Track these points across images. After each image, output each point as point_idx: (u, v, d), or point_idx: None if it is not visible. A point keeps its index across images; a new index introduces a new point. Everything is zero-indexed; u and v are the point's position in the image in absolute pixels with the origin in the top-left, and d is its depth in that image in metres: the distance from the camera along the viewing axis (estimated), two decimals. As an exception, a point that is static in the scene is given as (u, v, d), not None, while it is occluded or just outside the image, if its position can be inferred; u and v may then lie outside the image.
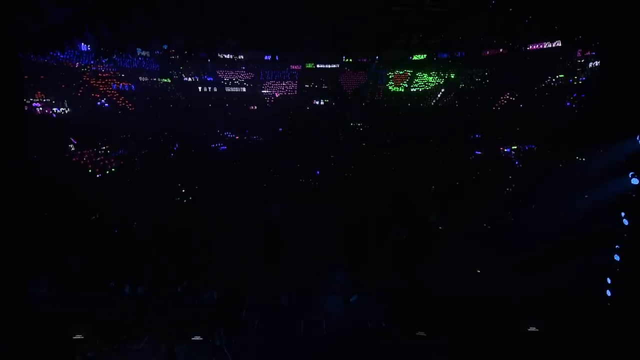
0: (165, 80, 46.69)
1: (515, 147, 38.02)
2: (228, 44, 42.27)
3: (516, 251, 29.32)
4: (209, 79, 46.44)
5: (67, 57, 37.87)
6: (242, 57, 46.11)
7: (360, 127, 49.05)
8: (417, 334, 21.78)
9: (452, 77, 44.19)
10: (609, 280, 23.53)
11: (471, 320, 22.15)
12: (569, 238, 27.98)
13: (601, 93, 26.21)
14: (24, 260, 25.82)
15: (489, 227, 34.49)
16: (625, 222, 23.22)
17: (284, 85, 49.15)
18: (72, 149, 36.00)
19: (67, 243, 27.66)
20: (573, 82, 30.62)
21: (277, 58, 46.43)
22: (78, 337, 21.37)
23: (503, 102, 40.87)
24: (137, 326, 22.68)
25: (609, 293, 23.41)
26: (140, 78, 44.91)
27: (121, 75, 42.44)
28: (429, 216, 35.75)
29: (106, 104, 39.57)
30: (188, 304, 24.76)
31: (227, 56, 45.47)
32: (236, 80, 48.16)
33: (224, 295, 25.67)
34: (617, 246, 23.58)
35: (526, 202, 32.99)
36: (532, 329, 21.89)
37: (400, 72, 47.40)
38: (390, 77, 47.86)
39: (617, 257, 23.40)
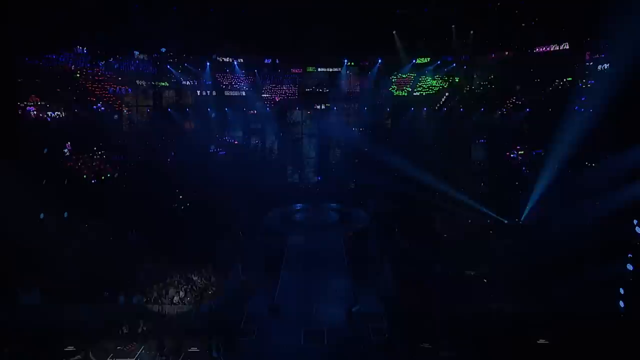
0: (163, 84, 46.02)
1: (522, 152, 37.40)
2: (227, 46, 41.57)
3: (524, 260, 28.71)
4: (207, 83, 45.73)
5: (63, 60, 37.19)
6: (242, 61, 45.44)
7: (362, 131, 48.35)
8: (422, 345, 21.18)
9: (457, 80, 43.54)
10: (621, 291, 22.88)
11: (478, 331, 21.45)
12: (578, 247, 27.34)
13: (612, 97, 25.66)
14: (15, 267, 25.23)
15: (493, 233, 33.96)
16: (638, 230, 22.55)
17: (285, 89, 48.48)
18: (67, 153, 35.39)
19: (61, 249, 27.09)
20: (582, 85, 29.99)
21: (277, 61, 45.78)
22: (70, 348, 20.77)
23: (509, 106, 40.17)
24: (131, 337, 22.05)
25: (621, 304, 22.72)
26: (137, 82, 44.20)
27: (118, 78, 41.72)
28: (433, 224, 35.22)
29: (102, 108, 38.86)
30: (184, 315, 24.10)
31: (227, 59, 44.80)
32: (235, 84, 47.44)
33: (221, 305, 25.03)
34: (629, 255, 22.96)
35: (534, 209, 32.39)
36: (542, 341, 21.26)
37: (404, 76, 46.80)
38: (393, 80, 47.25)
39: (630, 267, 22.74)
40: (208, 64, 43.85)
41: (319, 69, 48.60)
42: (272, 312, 24.12)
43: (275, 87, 48.21)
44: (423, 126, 45.20)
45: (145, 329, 22.43)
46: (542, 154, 32.11)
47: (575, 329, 21.00)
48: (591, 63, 30.09)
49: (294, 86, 48.42)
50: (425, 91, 45.09)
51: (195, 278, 27.11)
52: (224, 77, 46.11)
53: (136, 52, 41.97)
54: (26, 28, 30.77)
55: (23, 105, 34.20)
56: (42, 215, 29.09)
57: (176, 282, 26.53)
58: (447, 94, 43.20)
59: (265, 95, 47.69)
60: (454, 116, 41.76)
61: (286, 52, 43.42)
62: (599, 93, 26.78)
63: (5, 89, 30.70)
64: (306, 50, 43.32)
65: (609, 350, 19.42)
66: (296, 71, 47.91)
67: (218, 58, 43.89)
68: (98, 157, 36.73)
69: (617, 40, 25.79)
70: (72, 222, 30.12)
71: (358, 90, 49.10)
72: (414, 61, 43.72)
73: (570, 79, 33.09)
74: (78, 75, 37.64)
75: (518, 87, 40.23)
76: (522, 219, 33.06)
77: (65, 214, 30.19)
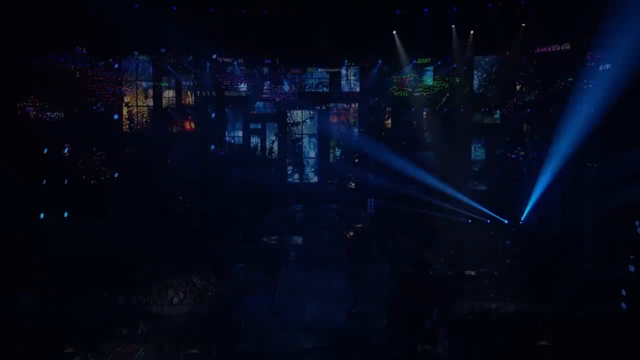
0: (163, 84, 46.02)
1: (523, 153, 37.39)
2: (227, 47, 41.41)
3: (524, 260, 28.69)
4: (207, 83, 45.65)
5: (62, 60, 37.16)
6: (242, 61, 45.33)
7: (362, 131, 48.27)
8: (422, 345, 21.13)
9: (457, 80, 43.41)
10: (623, 292, 22.84)
11: (478, 331, 21.42)
12: (579, 247, 27.35)
13: (613, 97, 25.62)
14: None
15: (495, 235, 33.99)
16: (640, 231, 22.52)
17: (285, 89, 48.34)
18: (67, 154, 35.36)
19: (59, 252, 27.05)
20: (584, 85, 29.93)
21: (277, 61, 45.63)
22: (69, 350, 20.73)
23: (509, 106, 40.11)
24: (131, 339, 22.01)
25: (624, 306, 22.67)
26: (137, 82, 44.26)
27: (118, 79, 41.70)
28: (433, 224, 35.23)
29: (102, 108, 38.82)
30: (184, 316, 24.08)
31: (227, 59, 44.68)
32: (235, 84, 47.35)
33: (221, 306, 25.00)
34: (631, 256, 22.93)
35: (535, 210, 32.40)
36: (543, 342, 21.21)
37: (404, 76, 46.69)
38: (394, 81, 47.14)
39: (632, 268, 22.71)
40: (208, 64, 43.76)
41: (319, 69, 48.49)
42: (272, 312, 24.13)
43: (275, 87, 48.02)
44: (423, 126, 45.13)
45: (144, 329, 22.43)
46: (543, 154, 32.07)
47: (577, 330, 20.98)
48: (592, 63, 29.96)
49: (294, 86, 48.26)
50: (425, 91, 44.93)
51: (195, 279, 27.11)
52: (224, 77, 45.97)
53: (136, 53, 41.96)
54: (26, 28, 30.75)
55: (22, 105, 34.22)
56: (42, 215, 29.11)
57: (176, 282, 26.54)
58: (447, 94, 43.07)
59: (265, 96, 47.51)
60: (454, 116, 41.65)
61: (286, 52, 43.26)
62: (601, 93, 26.77)
63: (5, 90, 30.74)
64: (306, 50, 43.20)
65: (611, 352, 19.36)
66: (296, 71, 47.72)
67: (218, 58, 43.77)
68: (98, 157, 36.66)
69: (618, 40, 25.75)
70: (72, 222, 30.13)
71: (358, 90, 48.97)
72: (414, 61, 43.60)
73: (571, 79, 32.94)
74: (78, 75, 37.57)
75: (518, 87, 40.16)
76: (522, 219, 33.07)
77: (66, 214, 30.24)
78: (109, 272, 26.24)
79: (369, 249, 32.90)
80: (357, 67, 49.21)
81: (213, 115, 46.64)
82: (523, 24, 37.31)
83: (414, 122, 45.93)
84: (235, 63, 45.95)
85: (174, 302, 24.84)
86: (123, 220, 31.55)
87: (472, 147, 43.07)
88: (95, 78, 39.43)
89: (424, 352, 20.42)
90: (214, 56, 43.19)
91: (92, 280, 25.51)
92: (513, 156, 37.75)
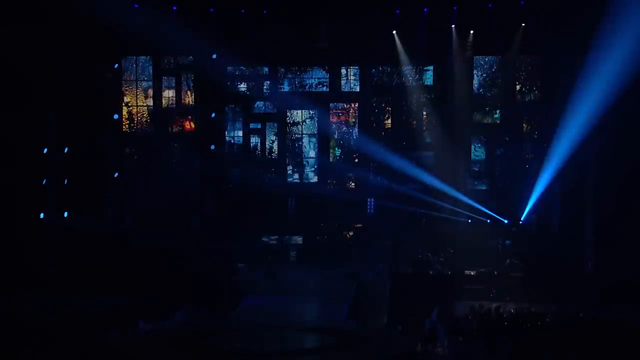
0: (164, 85, 46.09)
1: (524, 153, 37.44)
2: (227, 47, 41.44)
3: (524, 260, 28.68)
4: (207, 83, 45.71)
5: (62, 60, 37.20)
6: (241, 60, 45.38)
7: (362, 131, 48.23)
8: (422, 344, 21.12)
9: (457, 80, 43.42)
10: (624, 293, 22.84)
11: (478, 331, 21.37)
12: (580, 248, 27.35)
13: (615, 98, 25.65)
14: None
15: (493, 233, 34.05)
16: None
17: (284, 89, 48.38)
18: (67, 154, 35.40)
19: (59, 252, 27.12)
20: (584, 85, 29.98)
21: (277, 61, 45.69)
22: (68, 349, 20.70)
23: (510, 106, 40.16)
24: (131, 338, 21.97)
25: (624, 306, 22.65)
26: (137, 82, 44.43)
27: (117, 78, 41.81)
28: (433, 223, 35.29)
29: (102, 108, 38.86)
30: (184, 315, 24.07)
31: (226, 59, 44.72)
32: (235, 84, 47.47)
33: (220, 307, 24.98)
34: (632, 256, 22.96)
35: (535, 210, 32.44)
36: (543, 342, 21.15)
37: (404, 76, 46.68)
38: (394, 80, 47.10)
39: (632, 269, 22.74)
40: (208, 64, 43.82)
41: (319, 69, 48.52)
42: (269, 312, 24.14)
43: (275, 87, 48.09)
44: (423, 126, 45.18)
45: (144, 329, 22.41)
46: (543, 154, 32.16)
47: (577, 330, 20.91)
48: (592, 63, 29.99)
49: (294, 86, 48.30)
50: (425, 91, 44.99)
51: (195, 279, 27.10)
52: (223, 77, 46.05)
53: (136, 53, 42.04)
54: (25, 27, 30.79)
55: (22, 105, 34.23)
56: (42, 215, 29.13)
57: (176, 282, 26.53)
58: (447, 94, 43.12)
59: (265, 95, 47.64)
60: (454, 116, 41.67)
61: (286, 52, 43.31)
62: (601, 93, 26.82)
63: (4, 90, 30.78)
64: (306, 50, 43.28)
65: (611, 352, 19.30)
66: (296, 71, 47.78)
67: (218, 58, 43.84)
68: (97, 157, 36.70)
69: (618, 40, 25.79)
70: (72, 221, 30.17)
71: (358, 90, 49.00)
72: (414, 61, 43.62)
73: (571, 79, 32.95)
74: (78, 74, 37.59)
75: (518, 87, 40.22)
76: (522, 219, 33.11)
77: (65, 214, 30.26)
78: (108, 272, 26.24)
79: (369, 249, 32.96)
80: (357, 67, 49.31)
81: (213, 115, 46.73)
82: (523, 24, 37.51)
83: (414, 122, 46.01)
84: (235, 63, 46.02)
85: (174, 302, 24.80)
86: (122, 220, 31.61)
87: (472, 147, 43.10)
88: (95, 78, 39.52)
89: (424, 352, 20.38)
90: (214, 56, 43.27)
91: (92, 281, 25.50)
92: (513, 155, 37.84)
